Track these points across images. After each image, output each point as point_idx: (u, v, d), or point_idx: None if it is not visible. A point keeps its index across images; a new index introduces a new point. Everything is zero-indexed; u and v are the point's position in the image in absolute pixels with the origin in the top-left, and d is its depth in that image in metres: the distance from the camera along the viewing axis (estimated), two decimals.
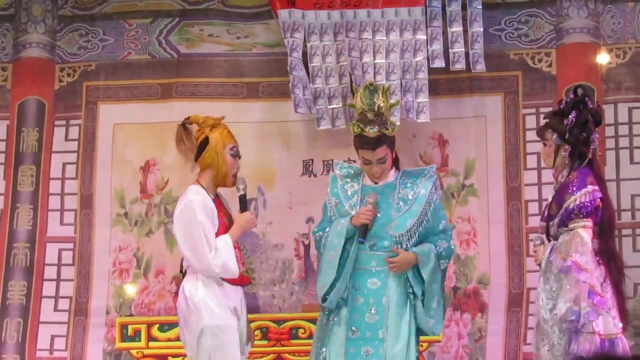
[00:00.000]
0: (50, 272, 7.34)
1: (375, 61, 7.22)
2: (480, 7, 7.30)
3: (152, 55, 7.80)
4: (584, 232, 5.68)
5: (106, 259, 7.47)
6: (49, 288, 7.32)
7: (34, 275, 7.31)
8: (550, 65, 7.62)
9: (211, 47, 7.80)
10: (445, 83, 7.60)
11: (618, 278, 5.82)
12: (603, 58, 7.58)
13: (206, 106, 7.49)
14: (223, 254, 5.65)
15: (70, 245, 7.33)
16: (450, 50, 7.33)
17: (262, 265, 7.49)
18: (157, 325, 7.49)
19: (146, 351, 7.40)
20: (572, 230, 5.65)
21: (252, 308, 7.32)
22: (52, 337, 7.28)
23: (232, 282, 5.72)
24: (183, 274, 5.93)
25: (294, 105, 7.35)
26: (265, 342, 7.22)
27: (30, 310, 7.30)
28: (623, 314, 5.78)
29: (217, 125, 5.95)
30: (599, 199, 5.73)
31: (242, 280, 5.83)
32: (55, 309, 7.29)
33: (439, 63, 7.23)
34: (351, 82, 6.97)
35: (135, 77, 7.79)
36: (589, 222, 5.69)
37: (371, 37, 7.26)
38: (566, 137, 5.74)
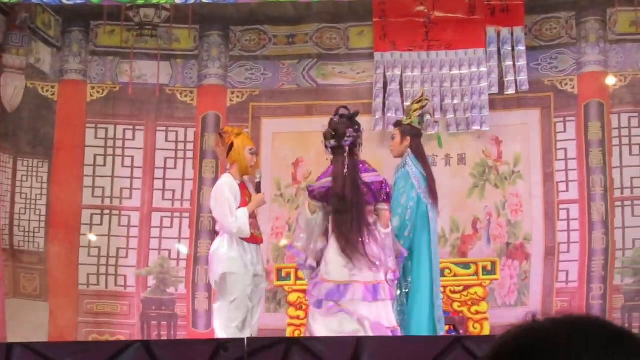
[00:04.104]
0: None
1: (452, 88, 9.50)
2: (524, 48, 9.53)
3: (298, 85, 10.01)
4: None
5: (267, 225, 9.08)
6: None
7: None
8: (573, 88, 9.66)
9: (339, 80, 9.97)
10: (500, 101, 9.66)
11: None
12: (610, 82, 9.52)
13: None
14: (240, 220, 6.91)
15: None
16: (504, 79, 9.50)
17: None
18: None
19: (294, 287, 8.61)
20: None
21: None
22: None
23: (247, 240, 7.02)
24: (216, 234, 7.23)
25: (373, 125, 9.28)
26: None
27: None
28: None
29: (240, 133, 7.31)
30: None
31: (255, 240, 7.07)
32: None
33: (495, 90, 9.48)
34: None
35: (287, 100, 9.91)
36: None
37: (448, 71, 9.57)
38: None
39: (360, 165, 6.75)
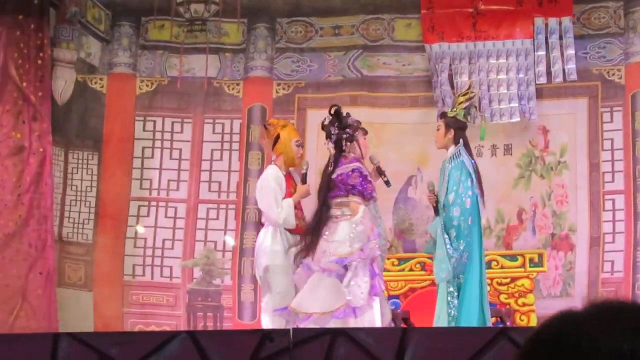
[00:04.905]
0: None
1: (499, 77, 9.52)
2: (573, 38, 9.52)
3: (344, 76, 10.07)
4: None
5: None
6: None
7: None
8: (620, 78, 9.65)
9: (385, 71, 10.00)
10: (548, 90, 9.68)
11: None
12: None
13: (381, 112, 9.80)
14: (286, 211, 6.92)
15: None
16: (552, 68, 9.48)
17: (418, 220, 9.62)
18: None
19: None
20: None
21: (411, 249, 9.47)
22: None
23: (292, 231, 7.02)
24: (262, 225, 7.29)
25: (437, 115, 9.05)
26: (423, 272, 8.81)
27: None
28: None
29: (286, 125, 7.39)
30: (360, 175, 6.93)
31: (300, 231, 7.02)
32: None
33: (543, 80, 9.49)
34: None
35: (332, 92, 9.91)
36: None
37: (495, 60, 9.58)
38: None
39: (341, 160, 6.99)
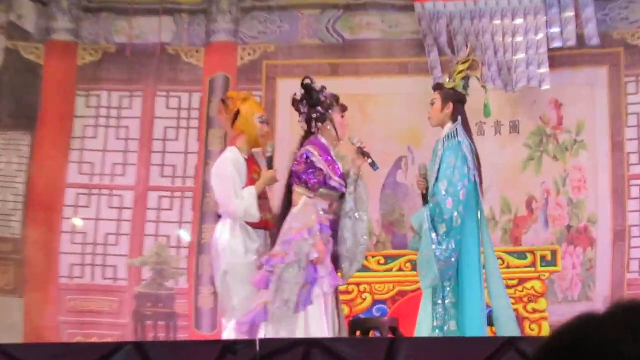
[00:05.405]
0: None
1: (505, 41, 9.43)
2: None
3: (321, 40, 10.06)
4: None
5: None
6: None
7: None
8: None
9: (369, 33, 9.97)
10: (560, 57, 9.61)
11: None
12: None
13: (365, 81, 9.81)
14: (247, 201, 6.80)
15: None
16: (563, 30, 9.42)
17: (410, 210, 9.42)
18: None
19: None
20: None
21: (402, 245, 9.29)
22: None
23: (255, 225, 6.93)
24: (219, 217, 7.20)
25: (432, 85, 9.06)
26: (414, 272, 8.26)
27: None
28: None
29: (247, 99, 7.22)
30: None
31: (266, 224, 6.99)
32: None
33: (557, 43, 9.42)
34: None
35: (307, 57, 9.94)
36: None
37: (500, 21, 9.51)
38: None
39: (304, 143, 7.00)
